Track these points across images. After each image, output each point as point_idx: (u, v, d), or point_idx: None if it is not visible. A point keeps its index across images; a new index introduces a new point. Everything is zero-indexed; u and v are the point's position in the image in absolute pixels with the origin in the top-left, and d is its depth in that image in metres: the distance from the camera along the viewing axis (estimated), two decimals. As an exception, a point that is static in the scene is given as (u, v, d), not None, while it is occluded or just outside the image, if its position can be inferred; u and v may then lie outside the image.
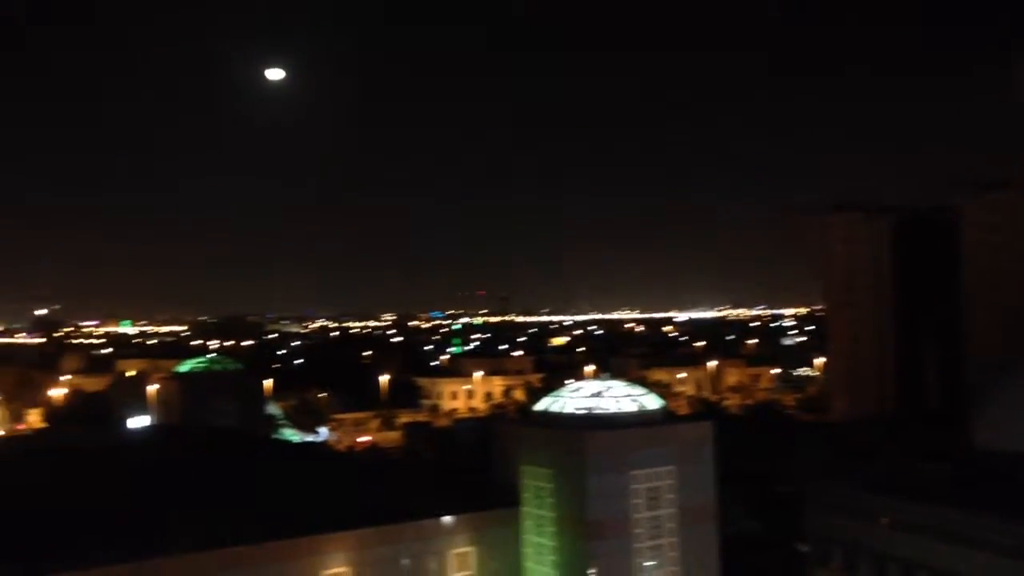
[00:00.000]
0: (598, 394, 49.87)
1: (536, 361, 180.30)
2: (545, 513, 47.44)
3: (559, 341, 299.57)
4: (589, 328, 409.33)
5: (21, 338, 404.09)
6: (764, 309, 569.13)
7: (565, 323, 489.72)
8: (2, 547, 38.74)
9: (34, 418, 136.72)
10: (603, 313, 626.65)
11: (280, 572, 41.64)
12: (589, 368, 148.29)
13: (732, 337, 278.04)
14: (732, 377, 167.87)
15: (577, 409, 49.14)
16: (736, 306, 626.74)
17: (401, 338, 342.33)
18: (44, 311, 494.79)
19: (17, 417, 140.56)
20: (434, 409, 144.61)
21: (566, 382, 67.52)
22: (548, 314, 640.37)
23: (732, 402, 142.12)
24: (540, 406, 52.41)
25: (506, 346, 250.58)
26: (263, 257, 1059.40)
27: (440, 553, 45.87)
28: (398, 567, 44.48)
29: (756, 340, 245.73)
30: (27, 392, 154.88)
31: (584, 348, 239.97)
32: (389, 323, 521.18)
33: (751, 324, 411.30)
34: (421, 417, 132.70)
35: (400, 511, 46.56)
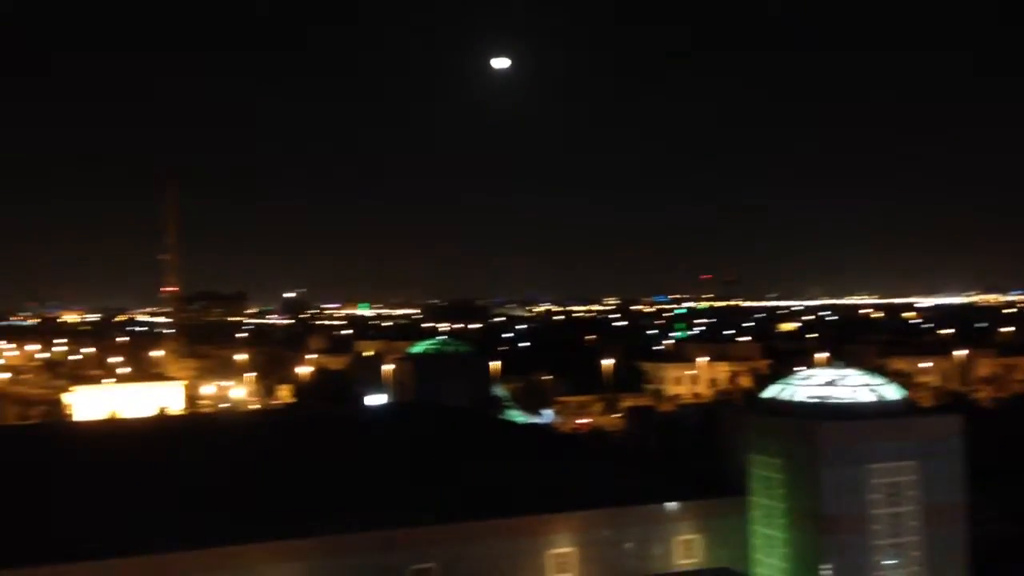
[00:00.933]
0: (832, 382, 47.50)
1: (763, 347, 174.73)
2: (775, 504, 45.77)
3: (788, 327, 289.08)
4: (820, 314, 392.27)
5: (273, 319, 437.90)
6: (1021, 294, 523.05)
7: (795, 308, 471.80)
8: (262, 510, 41.86)
9: (284, 393, 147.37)
10: (836, 298, 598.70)
11: (508, 549, 42.58)
12: (821, 355, 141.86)
13: (983, 324, 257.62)
14: (984, 368, 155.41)
15: (809, 397, 47.04)
16: (988, 291, 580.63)
17: (625, 322, 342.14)
18: (293, 295, 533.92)
19: (269, 391, 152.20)
20: (657, 394, 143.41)
21: (796, 369, 64.93)
22: (776, 299, 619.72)
23: (984, 395, 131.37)
24: (769, 393, 50.60)
25: (732, 331, 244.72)
26: (490, 243, 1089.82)
27: (665, 539, 45.32)
28: (622, 550, 44.37)
29: (1011, 328, 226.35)
30: (277, 369, 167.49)
31: (815, 334, 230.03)
32: (612, 307, 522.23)
33: (1005, 311, 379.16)
34: (644, 402, 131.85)
35: (625, 494, 46.45)
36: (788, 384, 49.44)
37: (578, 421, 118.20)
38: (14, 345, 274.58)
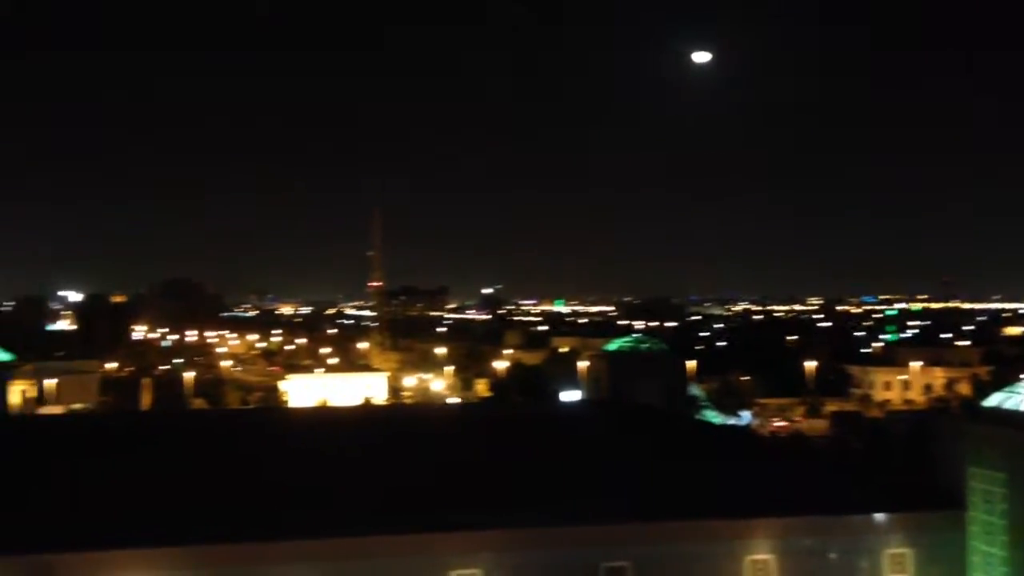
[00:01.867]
0: (1065, 392, 43.57)
1: (985, 352, 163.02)
2: (996, 521, 42.47)
3: (1014, 331, 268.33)
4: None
5: (471, 314, 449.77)
6: None
7: (1021, 311, 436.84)
8: (459, 500, 42.98)
9: (481, 387, 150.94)
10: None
11: (704, 552, 41.68)
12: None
13: None
14: None
15: (1038, 407, 43.36)
16: None
17: (829, 323, 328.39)
18: (490, 290, 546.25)
19: (467, 385, 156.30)
20: (865, 399, 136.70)
21: (1022, 376, 60.09)
22: (1000, 300, 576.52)
23: None
24: (991, 402, 47.03)
25: (949, 335, 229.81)
26: (686, 240, 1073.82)
27: (873, 551, 42.98)
28: (825, 560, 42.47)
29: None
30: (475, 363, 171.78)
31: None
32: (816, 307, 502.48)
33: None
34: (850, 407, 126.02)
35: (828, 502, 44.45)
36: (1014, 392, 45.80)
37: (777, 424, 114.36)
38: (236, 334, 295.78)
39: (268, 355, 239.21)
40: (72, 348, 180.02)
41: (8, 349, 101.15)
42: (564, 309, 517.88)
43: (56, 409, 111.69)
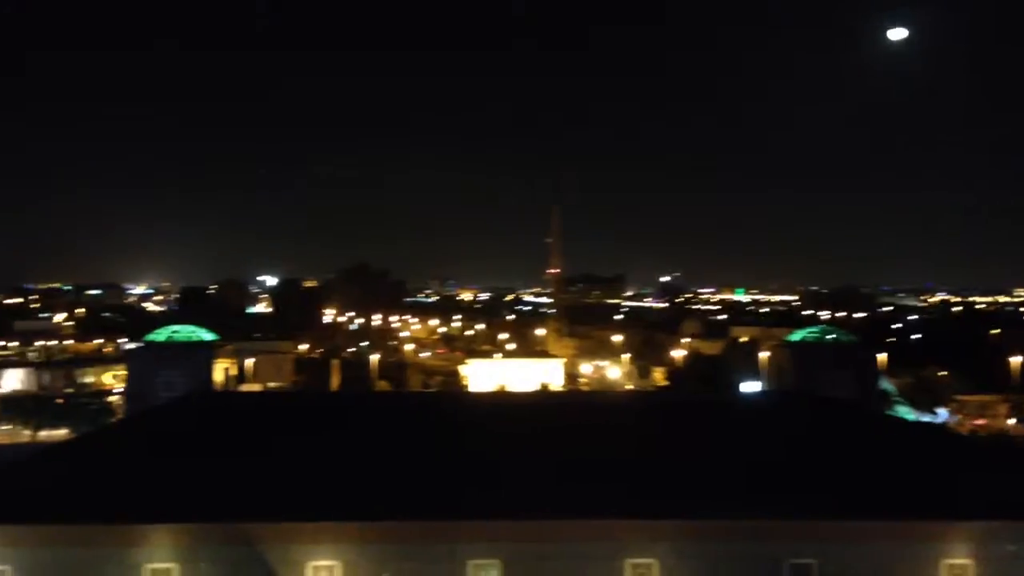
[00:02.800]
0: None
1: None
2: None
3: None
4: None
5: (649, 302, 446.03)
6: None
7: None
8: (639, 487, 42.74)
9: (658, 375, 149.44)
10: None
11: (896, 553, 39.70)
12: None
13: None
14: None
15: None
16: None
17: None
18: (668, 278, 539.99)
19: (644, 373, 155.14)
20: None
21: None
22: None
23: None
24: None
25: None
26: (878, 227, 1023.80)
27: (1086, 562, 39.73)
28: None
29: None
30: (652, 351, 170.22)
31: None
32: (1022, 299, 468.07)
33: None
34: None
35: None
36: None
37: (978, 423, 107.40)
38: (418, 319, 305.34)
39: (448, 340, 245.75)
40: (268, 329, 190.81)
41: (212, 330, 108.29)
42: (744, 298, 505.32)
43: (254, 387, 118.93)
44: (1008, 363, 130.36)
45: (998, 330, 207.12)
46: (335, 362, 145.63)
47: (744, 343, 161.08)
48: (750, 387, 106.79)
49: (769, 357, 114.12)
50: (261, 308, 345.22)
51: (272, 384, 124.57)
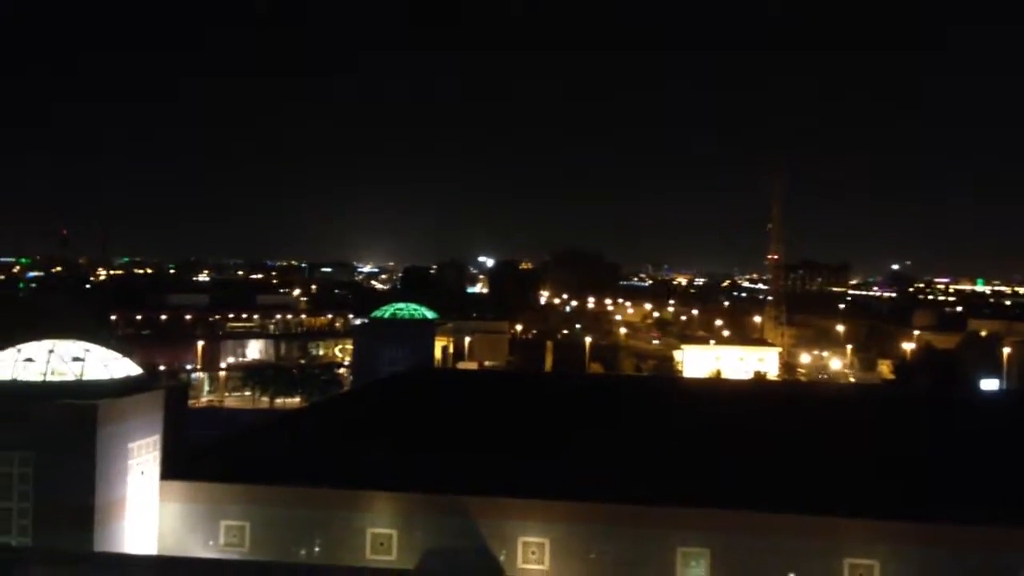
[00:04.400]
0: None
1: None
2: None
3: None
4: None
5: (876, 291, 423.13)
6: None
7: None
8: (860, 487, 40.78)
9: (884, 368, 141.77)
10: None
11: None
12: None
13: None
14: None
15: None
16: None
17: None
18: (898, 266, 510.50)
19: (868, 366, 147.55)
20: None
21: None
22: None
23: None
24: None
25: None
26: None
27: None
28: None
29: None
30: (878, 343, 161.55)
31: None
32: None
33: None
34: None
35: None
36: None
37: None
38: (632, 303, 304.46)
39: (662, 324, 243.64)
40: (486, 310, 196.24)
41: (433, 308, 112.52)
42: (985, 289, 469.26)
43: (471, 364, 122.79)
44: None
45: None
46: (549, 343, 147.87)
47: (984, 337, 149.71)
48: (989, 385, 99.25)
49: (1012, 353, 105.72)
50: (479, 289, 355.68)
51: (488, 362, 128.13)
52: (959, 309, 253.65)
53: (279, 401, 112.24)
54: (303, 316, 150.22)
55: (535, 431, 48.20)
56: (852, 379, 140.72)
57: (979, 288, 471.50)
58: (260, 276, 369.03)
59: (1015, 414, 59.31)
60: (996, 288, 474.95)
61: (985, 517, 37.42)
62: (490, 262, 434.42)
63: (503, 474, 41.63)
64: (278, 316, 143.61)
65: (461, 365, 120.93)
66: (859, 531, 37.68)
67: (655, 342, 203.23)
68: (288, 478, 41.57)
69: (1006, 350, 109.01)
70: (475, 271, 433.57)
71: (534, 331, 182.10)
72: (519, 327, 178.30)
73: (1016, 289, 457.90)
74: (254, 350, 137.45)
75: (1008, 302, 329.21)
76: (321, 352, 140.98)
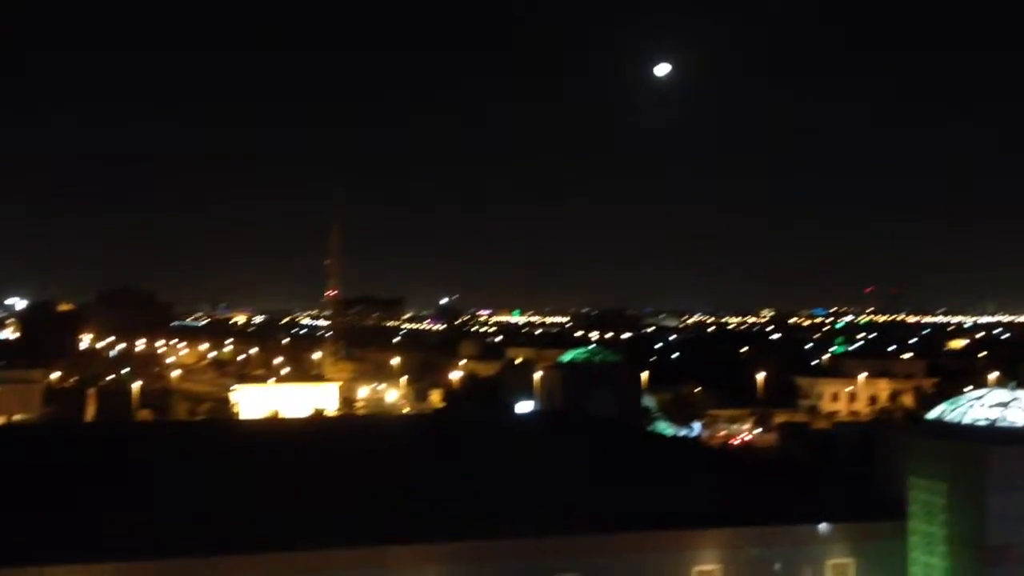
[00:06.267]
0: (1004, 404, 44.50)
1: (929, 365, 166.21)
2: (936, 531, 43.23)
3: (957, 344, 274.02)
4: (993, 332, 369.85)
5: (427, 324, 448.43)
6: None
7: (965, 325, 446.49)
8: (411, 512, 42.72)
9: (435, 397, 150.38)
10: (1012, 315, 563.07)
11: (653, 563, 41.90)
12: (992, 375, 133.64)
13: None
14: None
15: (977, 420, 44.27)
16: None
17: (780, 335, 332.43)
18: (446, 300, 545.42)
19: (421, 396, 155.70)
20: (813, 410, 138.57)
21: (964, 389, 61.32)
22: (945, 314, 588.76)
23: None
24: (933, 414, 47.94)
25: (894, 347, 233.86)
26: (642, 252, 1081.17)
27: (815, 561, 43.57)
28: (771, 570, 42.91)
29: None
30: (429, 373, 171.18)
31: (987, 353, 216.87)
32: (768, 319, 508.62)
33: None
34: (799, 418, 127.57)
35: (775, 513, 44.92)
36: (956, 404, 46.69)
37: (728, 435, 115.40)
38: (186, 344, 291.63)
39: (219, 365, 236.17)
40: (15, 357, 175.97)
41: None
42: (520, 319, 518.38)
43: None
44: (754, 379, 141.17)
45: (747, 348, 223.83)
46: (90, 391, 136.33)
47: (519, 364, 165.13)
48: (524, 407, 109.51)
49: (542, 377, 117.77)
50: (7, 334, 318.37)
51: (18, 416, 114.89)
52: (499, 339, 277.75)
53: None
54: None
55: (57, 486, 44.16)
56: (406, 409, 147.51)
57: (516, 319, 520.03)
58: None
59: (542, 432, 66.31)
60: (530, 319, 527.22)
61: (514, 528, 41.25)
62: (21, 303, 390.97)
63: (32, 538, 37.52)
64: None
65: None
66: (410, 556, 39.52)
67: (208, 376, 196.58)
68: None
69: (537, 374, 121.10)
70: (2, 315, 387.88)
71: (73, 379, 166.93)
72: (56, 375, 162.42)
73: (545, 320, 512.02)
74: None
75: (540, 331, 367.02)
76: None
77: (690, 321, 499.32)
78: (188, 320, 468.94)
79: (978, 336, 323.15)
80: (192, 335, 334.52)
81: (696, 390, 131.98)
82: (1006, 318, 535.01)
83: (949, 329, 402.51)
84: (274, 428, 75.58)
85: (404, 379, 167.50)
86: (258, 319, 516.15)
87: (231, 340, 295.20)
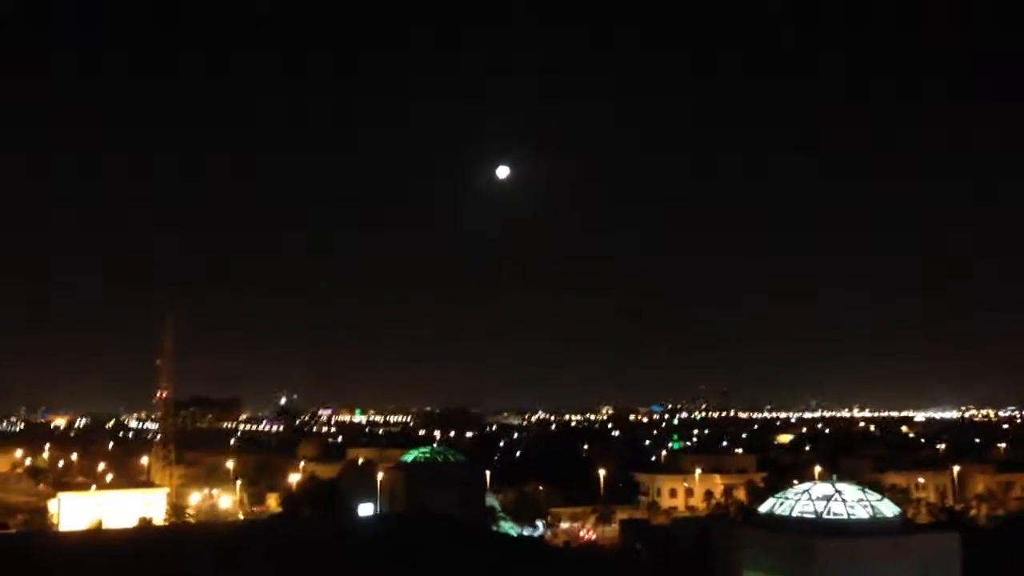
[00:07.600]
0: (828, 497, 46.78)
1: (759, 459, 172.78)
2: (772, 623, 44.50)
3: (784, 438, 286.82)
4: (817, 426, 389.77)
5: (265, 425, 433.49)
6: (1015, 411, 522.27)
7: (791, 420, 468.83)
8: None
9: (272, 501, 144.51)
10: (832, 411, 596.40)
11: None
12: (817, 469, 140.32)
13: (978, 440, 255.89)
14: (979, 484, 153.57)
15: (804, 513, 46.29)
16: (982, 407, 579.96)
17: (619, 432, 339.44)
18: (284, 400, 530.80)
19: (258, 500, 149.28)
20: (652, 506, 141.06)
21: (793, 483, 64.02)
22: (772, 410, 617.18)
23: (980, 512, 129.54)
24: (764, 508, 49.83)
25: (727, 442, 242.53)
26: (484, 351, 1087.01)
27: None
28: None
29: (1006, 444, 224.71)
30: (267, 476, 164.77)
31: (811, 447, 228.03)
32: (607, 416, 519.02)
33: (1002, 426, 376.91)
34: (639, 514, 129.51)
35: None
36: (784, 499, 48.70)
37: (570, 533, 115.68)
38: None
39: (35, 472, 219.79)
40: None
41: None
42: (362, 419, 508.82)
43: None
44: (596, 476, 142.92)
45: (588, 445, 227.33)
46: None
47: (361, 465, 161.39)
48: (366, 509, 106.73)
49: (384, 478, 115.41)
50: None
51: None
52: (340, 439, 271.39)
53: None
54: None
55: None
56: (241, 515, 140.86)
57: (358, 418, 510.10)
58: None
59: (382, 536, 64.70)
60: (373, 418, 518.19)
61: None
62: None
63: None
64: None
65: None
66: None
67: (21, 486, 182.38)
68: None
69: (380, 475, 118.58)
70: None
71: None
72: None
73: (389, 418, 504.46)
74: None
75: (381, 431, 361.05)
76: None
77: (533, 419, 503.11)
78: (2, 425, 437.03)
79: (803, 431, 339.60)
80: (7, 441, 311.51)
81: (540, 488, 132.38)
82: (827, 413, 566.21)
83: (777, 424, 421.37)
84: (96, 540, 70.65)
85: (239, 483, 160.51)
86: (81, 422, 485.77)
87: (49, 445, 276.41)
